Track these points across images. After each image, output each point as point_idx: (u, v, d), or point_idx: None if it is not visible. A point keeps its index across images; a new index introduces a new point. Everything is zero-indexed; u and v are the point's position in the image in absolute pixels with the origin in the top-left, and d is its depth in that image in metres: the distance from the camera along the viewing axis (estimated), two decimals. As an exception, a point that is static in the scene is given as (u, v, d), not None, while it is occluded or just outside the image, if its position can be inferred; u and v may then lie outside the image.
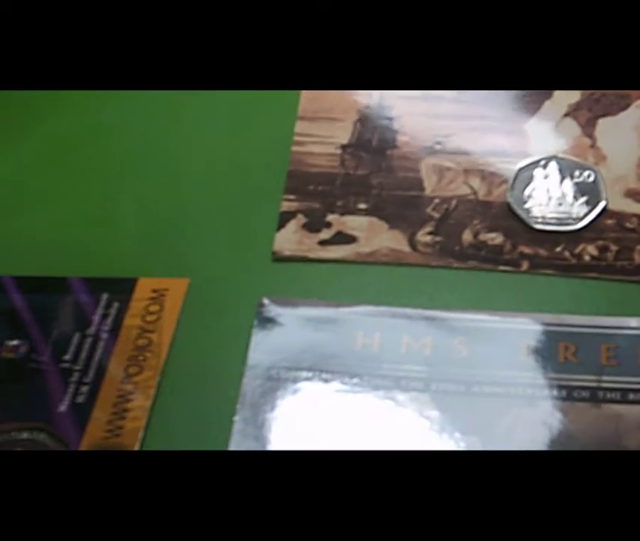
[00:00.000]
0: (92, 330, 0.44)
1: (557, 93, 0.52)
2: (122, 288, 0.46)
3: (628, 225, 0.46)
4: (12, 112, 0.55)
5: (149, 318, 0.44)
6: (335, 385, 0.41)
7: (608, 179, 0.48)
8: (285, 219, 0.48)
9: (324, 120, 0.52)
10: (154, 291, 0.45)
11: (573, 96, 0.52)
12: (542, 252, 0.45)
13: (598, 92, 0.51)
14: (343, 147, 0.51)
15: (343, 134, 0.51)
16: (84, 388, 0.42)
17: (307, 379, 0.42)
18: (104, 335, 0.44)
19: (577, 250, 0.45)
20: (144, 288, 0.46)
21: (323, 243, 0.47)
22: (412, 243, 0.46)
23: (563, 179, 0.48)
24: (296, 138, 0.52)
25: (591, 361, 0.41)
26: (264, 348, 0.43)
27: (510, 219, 0.47)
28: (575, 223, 0.46)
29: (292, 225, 0.48)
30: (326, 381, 0.41)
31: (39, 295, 0.46)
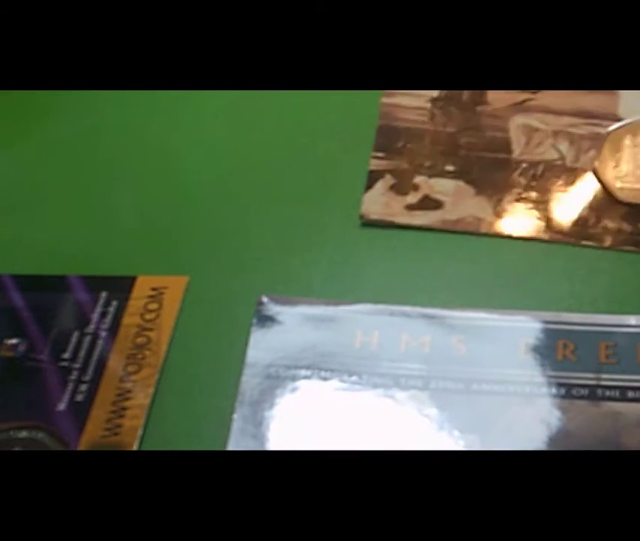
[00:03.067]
0: (91, 328, 0.44)
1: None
2: (120, 287, 0.46)
3: None
4: (12, 112, 0.55)
5: (148, 316, 0.44)
6: (334, 383, 0.41)
7: None
8: (373, 178, 0.47)
9: None
10: (153, 289, 0.45)
11: None
12: (626, 227, 0.44)
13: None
14: (433, 100, 0.50)
15: None
16: (83, 387, 0.42)
17: (306, 377, 0.42)
18: (103, 333, 0.44)
19: None
20: (143, 286, 0.46)
21: (410, 207, 0.46)
22: (497, 211, 0.45)
23: None
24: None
25: (590, 358, 0.41)
26: (263, 346, 0.43)
27: (596, 188, 0.46)
28: None
29: (380, 186, 0.47)
30: (325, 379, 0.41)
31: (38, 294, 0.46)
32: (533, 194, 0.46)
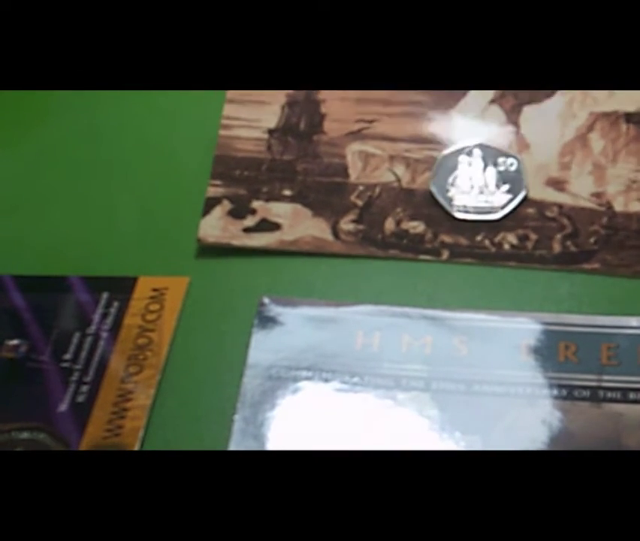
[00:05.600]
0: (92, 329, 0.44)
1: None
2: (122, 287, 0.46)
3: (548, 213, 0.46)
4: (11, 112, 0.55)
5: (149, 317, 0.44)
6: (335, 384, 0.41)
7: (531, 167, 0.48)
8: (210, 205, 0.48)
9: (252, 103, 0.52)
10: (154, 290, 0.45)
11: None
12: (463, 240, 0.46)
13: (525, 79, 0.51)
14: (270, 132, 0.51)
15: (271, 118, 0.51)
16: (84, 388, 0.42)
17: (307, 378, 0.42)
18: (104, 334, 0.44)
19: (497, 239, 0.46)
20: (144, 287, 0.46)
21: (247, 230, 0.47)
22: (335, 232, 0.47)
23: (486, 167, 0.48)
24: (223, 122, 0.51)
25: (591, 360, 0.41)
26: (264, 347, 0.43)
27: (432, 207, 0.47)
28: (496, 212, 0.47)
29: (217, 211, 0.48)
30: (326, 380, 0.41)
31: (39, 295, 0.46)
32: (370, 215, 0.47)
